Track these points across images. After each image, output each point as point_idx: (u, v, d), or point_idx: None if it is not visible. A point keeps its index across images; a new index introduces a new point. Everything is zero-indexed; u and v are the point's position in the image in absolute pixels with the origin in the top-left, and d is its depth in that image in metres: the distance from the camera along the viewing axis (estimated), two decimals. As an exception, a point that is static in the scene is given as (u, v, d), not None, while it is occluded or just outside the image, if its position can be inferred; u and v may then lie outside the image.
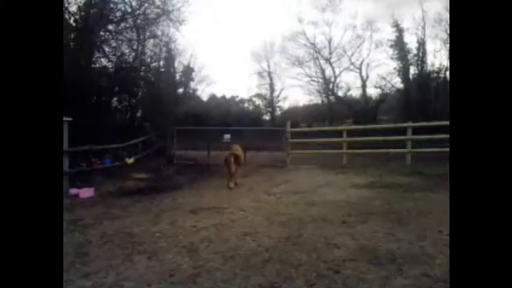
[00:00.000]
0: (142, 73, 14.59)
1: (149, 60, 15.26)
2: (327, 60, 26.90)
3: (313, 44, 26.95)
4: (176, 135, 14.04)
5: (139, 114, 15.63)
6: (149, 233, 4.90)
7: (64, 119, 8.11)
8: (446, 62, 21.97)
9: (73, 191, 7.96)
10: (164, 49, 17.53)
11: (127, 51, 13.65)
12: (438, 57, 27.19)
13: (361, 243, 4.12)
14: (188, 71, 25.73)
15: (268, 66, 29.10)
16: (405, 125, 12.29)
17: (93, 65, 11.99)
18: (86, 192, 7.90)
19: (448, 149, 10.05)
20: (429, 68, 23.00)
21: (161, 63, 18.26)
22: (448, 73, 21.74)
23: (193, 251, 4.15)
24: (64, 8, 10.16)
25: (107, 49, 12.91)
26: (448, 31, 19.78)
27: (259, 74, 29.40)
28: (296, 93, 51.58)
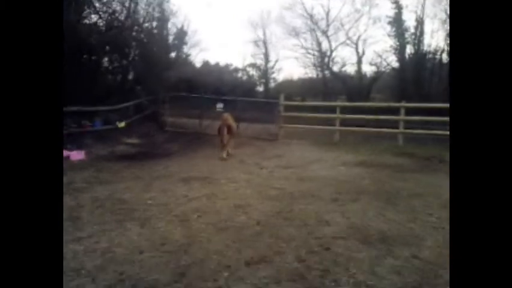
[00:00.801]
0: (134, 33, 14.11)
1: (141, 20, 14.78)
2: (324, 32, 26.43)
3: (310, 15, 26.39)
4: (168, 101, 13.83)
5: (130, 76, 15.28)
6: (141, 200, 4.90)
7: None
8: (443, 44, 21.84)
9: (64, 153, 7.85)
10: (157, 9, 16.97)
11: (118, 8, 13.16)
12: (435, 37, 27.01)
13: (352, 222, 4.18)
14: (181, 34, 24.98)
15: (264, 34, 28.53)
16: (398, 104, 12.28)
17: (83, 21, 11.55)
18: (76, 155, 7.80)
19: (439, 131, 10.18)
20: (426, 48, 22.83)
21: (154, 24, 17.70)
22: (444, 55, 21.65)
23: (185, 220, 4.17)
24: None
25: (97, 5, 12.41)
26: (448, 11, 19.50)
27: (255, 42, 28.83)
28: (291, 65, 50.88)
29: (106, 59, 13.47)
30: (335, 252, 3.37)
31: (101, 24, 12.66)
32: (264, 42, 28.56)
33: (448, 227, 3.69)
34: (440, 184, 5.72)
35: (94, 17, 12.56)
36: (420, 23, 22.59)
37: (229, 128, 8.61)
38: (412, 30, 23.01)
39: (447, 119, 8.32)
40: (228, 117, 8.96)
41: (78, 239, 3.57)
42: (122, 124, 10.29)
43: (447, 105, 8.06)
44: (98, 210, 4.48)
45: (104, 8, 12.64)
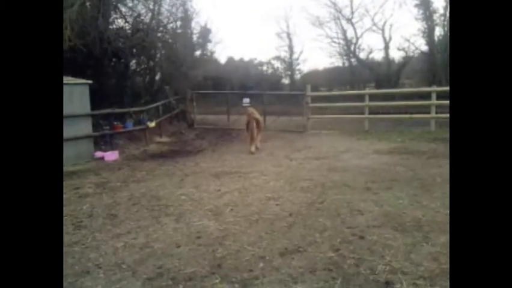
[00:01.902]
0: (159, 34, 14.35)
1: (166, 20, 14.98)
2: (349, 20, 25.88)
3: (334, 3, 25.93)
4: (195, 99, 14.02)
5: (157, 77, 15.58)
6: (175, 196, 5.02)
7: (85, 81, 8.19)
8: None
9: (98, 154, 8.15)
10: (180, 9, 17.16)
11: (143, 11, 13.41)
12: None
13: (385, 210, 4.13)
14: (205, 32, 25.19)
15: (288, 26, 28.29)
16: (429, 89, 11.93)
17: (110, 26, 11.86)
18: (111, 156, 8.08)
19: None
20: (456, 29, 21.87)
21: (178, 23, 17.94)
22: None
23: (218, 214, 4.25)
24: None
25: (123, 9, 12.72)
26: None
27: (278, 35, 28.65)
28: (316, 55, 50.20)
29: (134, 61, 13.80)
30: (369, 240, 3.34)
31: (127, 27, 12.97)
32: (288, 34, 28.33)
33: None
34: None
35: (121, 21, 12.89)
36: (449, 2, 21.69)
37: (257, 122, 8.65)
38: (441, 11, 22.16)
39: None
40: (254, 111, 9.01)
41: (117, 236, 3.71)
42: (152, 124, 10.52)
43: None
44: (134, 207, 4.64)
45: (130, 12, 12.93)
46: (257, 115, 8.97)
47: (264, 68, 29.12)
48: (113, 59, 12.21)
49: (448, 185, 4.90)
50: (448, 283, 2.53)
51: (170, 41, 15.58)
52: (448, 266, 2.78)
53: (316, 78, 26.46)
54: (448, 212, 3.95)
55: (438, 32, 22.52)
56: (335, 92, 20.33)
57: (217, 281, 2.72)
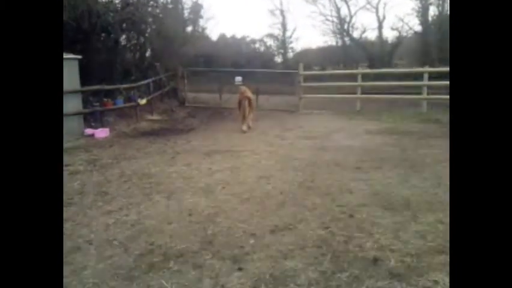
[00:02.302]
0: (149, 9, 13.99)
1: (156, -6, 14.61)
2: (343, -3, 25.59)
3: (328, -20, 25.56)
4: (187, 77, 13.84)
5: (148, 53, 15.29)
6: (166, 174, 5.02)
7: (74, 56, 8.01)
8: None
9: (88, 131, 8.06)
10: (171, -19, 16.76)
11: (133, -16, 13.04)
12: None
13: (375, 189, 4.18)
14: (196, 7, 24.68)
15: (281, 3, 27.91)
16: (421, 69, 11.92)
17: (99, 0, 11.52)
18: (101, 133, 7.99)
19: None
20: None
21: (169, -3, 17.54)
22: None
23: (210, 192, 4.26)
24: None
25: (112, -18, 12.35)
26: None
27: (271, 12, 28.28)
28: (310, 34, 49.71)
29: (123, 36, 13.48)
30: (358, 218, 3.40)
31: (117, 1, 12.61)
32: (281, 11, 27.93)
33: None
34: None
35: (110, -5, 12.52)
36: (444, -19, 21.48)
37: (249, 101, 8.59)
38: (436, -11, 21.95)
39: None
40: (246, 90, 8.94)
41: (108, 212, 3.72)
42: (143, 101, 10.38)
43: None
44: (125, 184, 4.63)
45: (120, -15, 12.56)
46: (249, 94, 8.91)
47: (257, 45, 28.81)
48: (103, 34, 11.90)
49: (437, 165, 5.00)
50: (434, 260, 2.60)
51: (161, 15, 15.21)
52: (434, 243, 2.85)
53: (309, 57, 26.31)
54: (436, 191, 4.04)
55: (433, 11, 22.41)
56: (328, 71, 20.24)
57: (208, 257, 2.76)
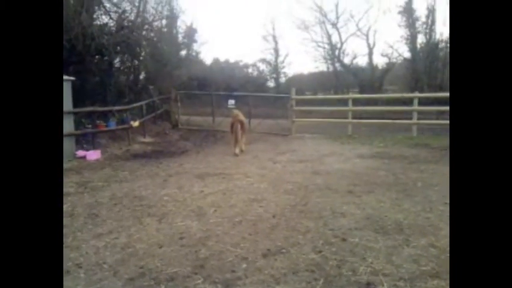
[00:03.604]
0: (144, 32, 14.20)
1: (151, 18, 14.86)
2: (334, 25, 26.25)
3: (319, 7, 26.29)
4: (180, 99, 13.93)
5: (142, 76, 15.41)
6: (157, 197, 4.97)
7: (67, 78, 8.03)
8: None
9: (80, 152, 8.01)
10: (166, 7, 17.10)
11: (128, 8, 13.27)
12: (448, 25, 26.51)
13: (367, 213, 4.18)
14: (191, 32, 25.13)
15: (273, 29, 28.48)
16: (411, 95, 12.19)
17: (94, 22, 11.67)
18: (93, 155, 7.94)
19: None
20: (438, 36, 22.43)
21: (164, 22, 17.83)
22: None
23: (202, 215, 4.23)
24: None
25: (108, 5, 12.55)
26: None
27: (264, 37, 28.80)
28: (301, 59, 50.57)
29: (117, 59, 13.60)
30: (351, 242, 3.38)
31: (111, 24, 12.80)
32: (274, 37, 28.50)
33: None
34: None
35: (105, 18, 12.72)
36: (431, 11, 22.23)
37: (241, 124, 8.65)
38: (423, 19, 22.68)
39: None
40: (239, 113, 9.03)
41: (98, 235, 3.65)
42: (136, 123, 10.39)
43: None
44: (116, 207, 4.57)
45: (115, 8, 12.76)
46: (242, 117, 8.99)
47: (250, 70, 29.19)
48: (97, 56, 12.01)
49: (428, 190, 5.03)
50: (427, 284, 2.59)
51: (155, 39, 15.45)
52: (427, 267, 2.84)
53: (301, 82, 26.72)
54: (428, 215, 4.05)
55: (421, 39, 23.07)
56: (320, 96, 20.54)
57: (199, 281, 2.71)
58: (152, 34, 15.12)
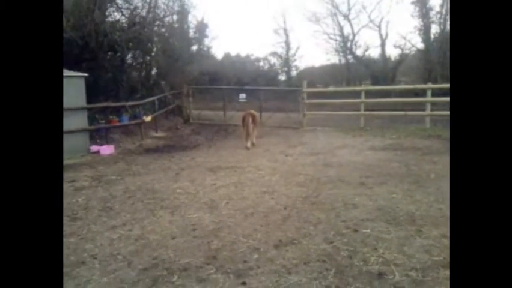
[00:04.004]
0: (155, 28, 14.28)
1: (162, 14, 14.91)
2: (346, 16, 25.97)
3: (331, -1, 26.01)
4: (191, 94, 14.01)
5: (153, 71, 15.53)
6: (170, 190, 5.03)
7: (80, 74, 8.16)
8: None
9: (94, 147, 8.14)
10: (177, 3, 17.14)
11: (139, 4, 13.35)
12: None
13: (379, 204, 4.16)
14: (202, 26, 25.12)
15: (284, 22, 28.37)
16: (424, 86, 12.00)
17: (106, 19, 11.78)
18: (106, 149, 8.06)
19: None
20: (452, 26, 21.94)
21: (175, 17, 17.89)
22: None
23: (214, 207, 4.26)
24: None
25: (119, 2, 12.66)
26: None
27: (275, 31, 28.69)
28: (313, 52, 50.31)
29: (130, 55, 13.73)
30: (363, 233, 3.38)
31: (123, 20, 12.91)
32: (285, 30, 28.35)
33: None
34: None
35: (117, 14, 12.84)
36: (445, 0, 21.75)
37: (253, 118, 8.66)
38: (437, 8, 22.23)
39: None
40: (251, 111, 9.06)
41: (112, 227, 3.73)
42: (148, 118, 10.50)
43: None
44: (129, 200, 4.64)
45: (126, 5, 12.87)
46: (253, 111, 9.00)
47: (261, 63, 29.15)
48: (109, 52, 12.14)
49: (441, 181, 4.97)
50: (439, 274, 2.58)
51: (166, 35, 15.52)
52: (439, 258, 2.82)
53: (312, 75, 26.56)
54: (441, 206, 4.01)
55: (435, 29, 22.66)
56: (331, 89, 20.38)
57: (212, 271, 2.75)
58: (163, 30, 15.19)
